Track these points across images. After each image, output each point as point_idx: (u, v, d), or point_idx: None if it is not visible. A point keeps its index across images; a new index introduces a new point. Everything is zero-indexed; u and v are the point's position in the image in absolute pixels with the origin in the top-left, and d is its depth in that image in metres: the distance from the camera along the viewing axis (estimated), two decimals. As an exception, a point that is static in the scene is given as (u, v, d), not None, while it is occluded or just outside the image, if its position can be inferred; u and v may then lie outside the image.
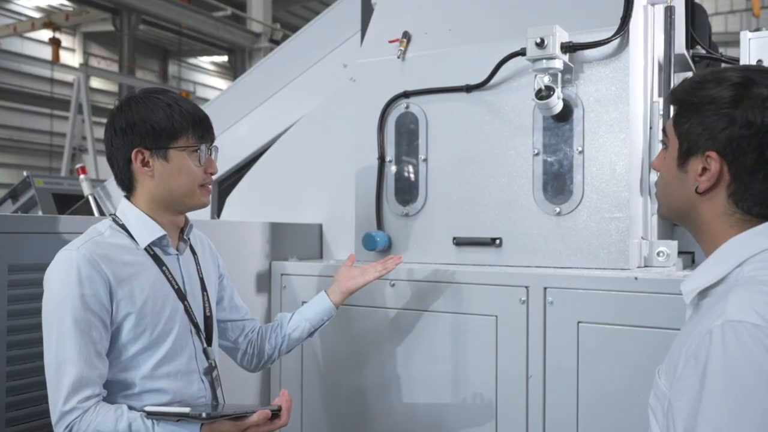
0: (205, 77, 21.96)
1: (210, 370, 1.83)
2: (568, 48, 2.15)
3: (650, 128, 2.33)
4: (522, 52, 2.17)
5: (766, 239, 1.20)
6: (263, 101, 3.47)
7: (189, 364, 1.77)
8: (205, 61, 21.76)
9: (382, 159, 2.57)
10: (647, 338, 2.00)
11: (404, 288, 2.40)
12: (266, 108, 3.46)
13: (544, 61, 2.11)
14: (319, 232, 2.99)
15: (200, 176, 1.78)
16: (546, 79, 2.16)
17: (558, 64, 2.11)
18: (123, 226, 1.74)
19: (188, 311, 1.78)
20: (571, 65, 2.22)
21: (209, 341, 1.85)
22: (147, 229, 1.74)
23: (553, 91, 2.12)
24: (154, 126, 1.70)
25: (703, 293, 1.26)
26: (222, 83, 20.70)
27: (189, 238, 1.87)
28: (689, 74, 2.45)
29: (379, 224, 2.56)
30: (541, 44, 2.07)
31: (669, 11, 2.35)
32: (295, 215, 3.01)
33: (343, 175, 2.87)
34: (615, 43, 2.18)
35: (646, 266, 2.28)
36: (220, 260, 2.05)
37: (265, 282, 2.68)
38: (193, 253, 1.89)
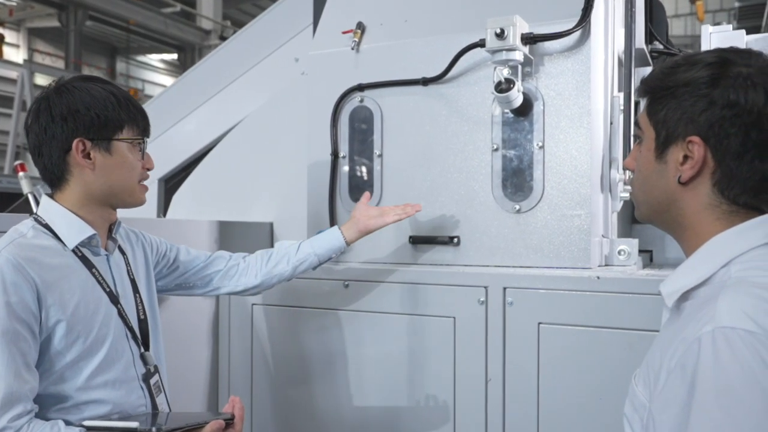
0: (154, 75, 21.54)
1: (149, 376, 1.70)
2: (529, 39, 2.08)
3: (611, 123, 2.27)
4: (481, 44, 2.09)
5: (754, 236, 1.12)
6: (211, 96, 3.35)
7: (127, 372, 1.65)
8: (154, 58, 21.34)
9: (335, 155, 2.46)
10: (610, 339, 1.95)
11: (358, 289, 2.31)
12: (214, 103, 3.33)
13: (504, 52, 2.03)
14: (269, 231, 2.87)
15: (140, 171, 1.67)
16: (505, 72, 2.09)
17: (518, 55, 2.04)
18: (47, 226, 1.60)
19: (122, 315, 1.66)
20: (531, 57, 2.15)
21: (146, 345, 1.73)
22: (75, 229, 1.60)
23: (513, 84, 2.05)
24: (100, 114, 1.58)
25: (685, 295, 1.16)
26: (171, 81, 20.28)
27: (117, 237, 1.74)
28: (648, 69, 2.42)
29: (333, 222, 2.45)
30: (500, 35, 1.99)
31: (629, 3, 2.30)
32: (245, 213, 2.88)
33: (295, 172, 2.77)
34: (576, 35, 2.12)
35: (606, 265, 2.22)
36: (154, 240, 1.93)
37: (212, 284, 2.54)
38: (122, 253, 1.76)
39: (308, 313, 2.39)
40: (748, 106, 1.08)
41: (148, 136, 1.70)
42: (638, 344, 1.92)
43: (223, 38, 17.18)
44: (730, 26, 2.27)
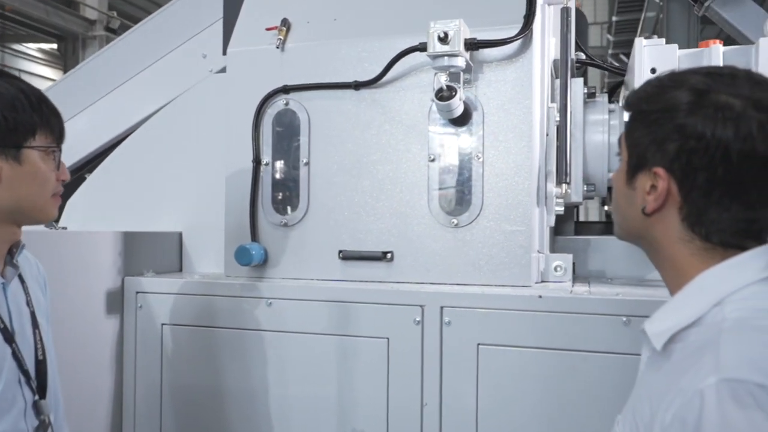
0: (32, 65, 20.16)
1: (42, 429, 1.42)
2: (471, 45, 1.97)
3: (546, 135, 2.20)
4: (422, 47, 1.97)
5: (747, 272, 1.02)
6: (107, 93, 3.06)
7: (16, 425, 1.36)
8: (32, 47, 20.00)
9: (257, 161, 2.27)
10: (552, 361, 1.87)
11: (283, 307, 2.13)
12: (111, 100, 3.05)
13: (446, 58, 1.91)
14: (178, 242, 2.64)
15: (54, 184, 1.42)
16: (443, 79, 1.98)
17: (460, 62, 1.93)
18: None
19: (17, 356, 1.37)
20: (471, 64, 2.04)
21: (42, 392, 1.44)
22: None
23: (455, 92, 1.94)
24: (8, 117, 1.32)
25: (673, 337, 1.06)
26: (51, 72, 19.10)
27: (18, 262, 1.45)
28: (580, 80, 2.38)
29: (254, 236, 2.26)
30: (444, 39, 1.88)
31: (565, 12, 2.25)
32: (150, 223, 2.64)
33: (206, 177, 2.57)
34: (517, 43, 2.03)
35: (543, 281, 2.15)
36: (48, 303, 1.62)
37: (116, 301, 2.29)
38: (22, 281, 1.48)
39: (226, 334, 2.19)
40: (714, 141, 0.99)
41: (63, 143, 1.45)
42: (581, 366, 1.86)
43: (109, 29, 16.35)
44: (663, 40, 2.24)
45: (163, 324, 2.26)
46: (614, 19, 13.15)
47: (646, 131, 1.08)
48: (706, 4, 3.67)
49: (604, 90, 2.88)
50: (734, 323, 0.96)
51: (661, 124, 1.05)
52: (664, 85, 1.09)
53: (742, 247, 1.04)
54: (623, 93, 2.71)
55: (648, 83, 1.13)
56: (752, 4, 3.56)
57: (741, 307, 0.98)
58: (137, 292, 2.30)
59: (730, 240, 1.04)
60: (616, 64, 2.74)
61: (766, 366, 0.88)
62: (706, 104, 1.01)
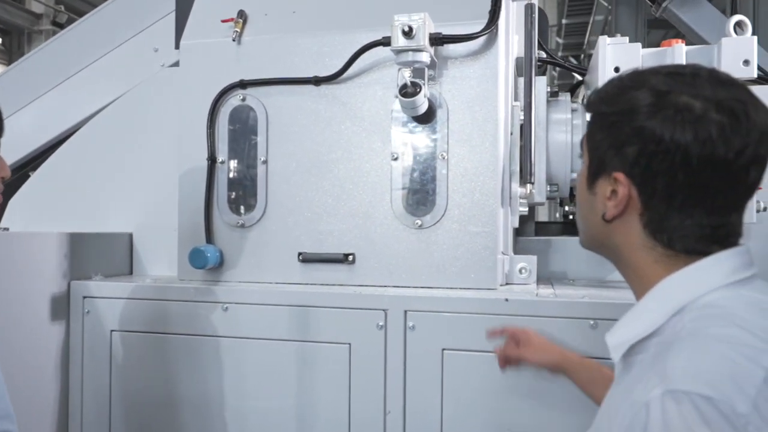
0: (-25, 60, 19.56)
1: None
2: (436, 40, 1.91)
3: (510, 134, 2.15)
4: (385, 42, 1.90)
5: (710, 278, 0.97)
6: (52, 87, 2.91)
7: None
8: (-26, 41, 19.38)
9: (212, 159, 2.17)
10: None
11: (239, 312, 2.04)
12: (56, 95, 2.90)
13: (411, 53, 1.84)
14: (128, 243, 2.52)
15: None
16: (407, 74, 1.91)
17: (425, 57, 1.86)
18: None
19: None
20: (436, 60, 1.98)
21: None
22: None
23: (420, 89, 1.87)
24: None
25: (635, 348, 1.02)
26: (-4, 67, 18.53)
27: None
28: (543, 78, 2.34)
29: (209, 237, 2.16)
30: (408, 34, 1.81)
31: (530, 9, 2.20)
32: (99, 223, 2.51)
33: (158, 176, 2.47)
34: (482, 39, 1.98)
35: (508, 284, 2.10)
36: None
37: (62, 307, 2.17)
38: None
39: (180, 341, 2.09)
40: (673, 145, 0.93)
41: (1, 137, 1.36)
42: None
43: (56, 23, 15.89)
44: (626, 39, 2.21)
45: (112, 330, 2.15)
46: (564, 21, 13.28)
47: (605, 134, 1.03)
48: (663, 4, 3.68)
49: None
50: (689, 332, 0.91)
51: (621, 127, 1.00)
52: (624, 85, 1.03)
53: (706, 253, 0.99)
54: (584, 93, 2.68)
55: (609, 83, 1.08)
56: (709, 5, 3.59)
57: (700, 315, 0.93)
58: (84, 297, 2.18)
59: (693, 246, 0.99)
60: (574, 63, 2.70)
61: (714, 377, 0.82)
62: (665, 106, 0.95)
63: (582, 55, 14.06)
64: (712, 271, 0.98)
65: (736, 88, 0.96)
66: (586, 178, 1.10)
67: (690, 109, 0.93)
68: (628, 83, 1.03)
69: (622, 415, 0.88)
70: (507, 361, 1.68)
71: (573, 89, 2.84)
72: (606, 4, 10.34)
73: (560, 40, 14.24)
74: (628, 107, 0.99)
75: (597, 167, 1.06)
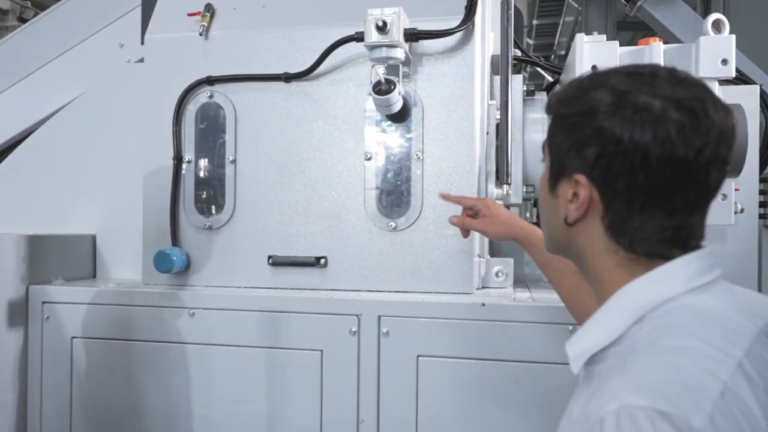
0: (-61, 55, 19.10)
1: None
2: (411, 36, 1.85)
3: (486, 133, 2.10)
4: (358, 37, 1.83)
5: (671, 285, 0.95)
6: (13, 84, 2.80)
7: None
8: (-62, 36, 18.93)
9: (178, 159, 2.08)
10: (495, 372, 1.78)
11: (207, 318, 1.97)
12: (17, 92, 2.78)
13: (385, 48, 1.78)
14: (91, 245, 2.43)
15: None
16: (381, 71, 1.84)
17: (400, 53, 1.80)
18: None
19: None
20: (411, 57, 1.92)
21: None
22: None
23: (394, 86, 1.81)
24: None
25: (596, 357, 0.98)
26: (-40, 63, 18.10)
27: None
28: (519, 77, 2.30)
29: (175, 239, 2.08)
30: (382, 29, 1.74)
31: (506, 5, 2.14)
32: (60, 225, 2.42)
33: (122, 176, 2.38)
34: (459, 35, 1.92)
35: (484, 287, 2.05)
36: None
37: (20, 313, 2.07)
38: None
39: (145, 348, 2.01)
40: (632, 145, 0.91)
41: None
42: (525, 377, 1.77)
43: (22, 20, 15.53)
44: (604, 36, 2.17)
45: (73, 337, 2.06)
46: (534, 22, 13.32)
47: (565, 136, 1.01)
48: (638, 3, 3.65)
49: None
50: (646, 343, 0.88)
51: (580, 128, 0.97)
52: (584, 86, 1.01)
53: (667, 257, 0.97)
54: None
55: (569, 85, 1.05)
56: (684, 5, 3.57)
57: (658, 325, 0.90)
58: (44, 302, 2.08)
59: (654, 249, 0.97)
60: (542, 62, 2.67)
61: (670, 391, 0.79)
62: (624, 106, 0.93)
63: (552, 56, 14.12)
64: (672, 277, 0.95)
65: (696, 87, 0.95)
66: (548, 181, 1.07)
67: (649, 108, 0.92)
68: (588, 84, 1.01)
69: (579, 427, 0.86)
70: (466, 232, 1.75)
71: (548, 89, 2.80)
72: (576, 5, 10.39)
73: (531, 41, 14.28)
74: (587, 108, 0.97)
75: (558, 170, 1.04)
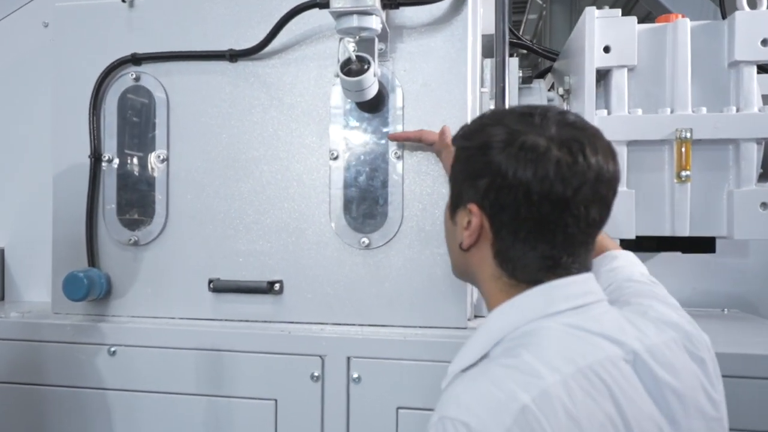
0: None
1: None
2: (390, 3, 1.46)
3: (480, 127, 1.73)
4: (322, 3, 1.45)
5: (532, 308, 1.01)
6: None
7: None
8: None
9: (96, 157, 1.69)
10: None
11: (131, 357, 1.60)
12: None
13: (356, 17, 1.39)
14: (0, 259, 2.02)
15: None
16: (351, 47, 1.46)
17: (375, 23, 1.42)
18: None
19: None
20: (388, 30, 1.53)
21: None
22: None
23: (368, 65, 1.42)
24: None
25: (458, 376, 1.02)
26: None
27: None
28: (515, 60, 1.95)
29: (92, 258, 1.68)
30: (353, -9, 1.35)
31: (501, -20, 1.77)
32: (-40, 236, 2.01)
33: (36, 178, 2.01)
34: (448, 3, 1.54)
35: (476, 317, 1.68)
36: None
37: None
38: None
39: (55, 395, 1.63)
40: (516, 180, 0.99)
41: None
42: None
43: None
44: (618, 11, 1.82)
45: (-36, 378, 1.66)
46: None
47: (463, 166, 1.09)
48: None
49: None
50: (488, 361, 0.97)
51: (476, 161, 1.05)
52: (484, 123, 1.08)
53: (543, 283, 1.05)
54: (553, 80, 2.32)
55: (473, 121, 1.13)
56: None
57: (509, 346, 0.98)
58: (-71, 335, 1.68)
59: (536, 277, 1.03)
60: (534, 45, 2.32)
61: (475, 405, 0.87)
62: (513, 143, 1.00)
63: (515, 54, 14.03)
64: (530, 303, 1.02)
65: (581, 130, 1.00)
66: (449, 209, 1.15)
67: (534, 148, 0.98)
68: (488, 121, 1.08)
69: None
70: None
71: (540, 76, 2.47)
72: (540, 2, 10.24)
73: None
74: (483, 142, 1.04)
75: (456, 198, 1.12)
